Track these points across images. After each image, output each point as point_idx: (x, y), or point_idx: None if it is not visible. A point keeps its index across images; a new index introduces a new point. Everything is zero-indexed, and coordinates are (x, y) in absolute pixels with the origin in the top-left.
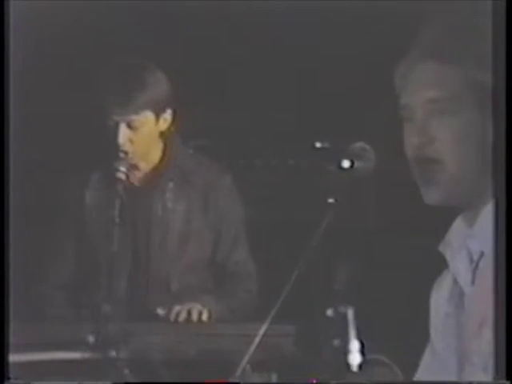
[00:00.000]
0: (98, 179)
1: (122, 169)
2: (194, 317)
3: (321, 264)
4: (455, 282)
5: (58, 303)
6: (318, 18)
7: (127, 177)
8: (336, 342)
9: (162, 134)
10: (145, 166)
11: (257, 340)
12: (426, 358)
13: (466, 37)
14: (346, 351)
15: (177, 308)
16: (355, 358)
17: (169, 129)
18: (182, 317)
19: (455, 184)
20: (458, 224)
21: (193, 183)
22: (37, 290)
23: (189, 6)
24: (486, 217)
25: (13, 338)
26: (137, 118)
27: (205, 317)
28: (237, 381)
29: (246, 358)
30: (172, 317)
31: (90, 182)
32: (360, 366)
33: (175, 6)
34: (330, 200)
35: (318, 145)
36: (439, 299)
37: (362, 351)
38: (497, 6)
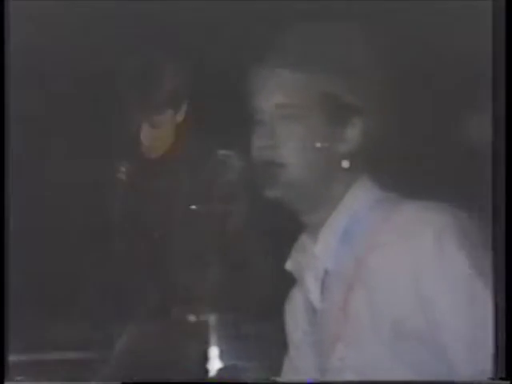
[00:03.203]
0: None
1: (123, 169)
2: None
3: (183, 270)
4: (306, 298)
5: (58, 302)
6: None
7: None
8: (196, 348)
9: (176, 128)
10: (153, 158)
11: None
12: (286, 372)
13: (323, 48)
14: (205, 357)
15: None
16: (214, 364)
17: (183, 122)
18: None
19: (296, 188)
20: (303, 241)
21: (197, 178)
22: (37, 289)
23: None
24: (326, 235)
25: (13, 337)
26: (160, 117)
27: None
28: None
29: None
30: None
31: (98, 180)
32: (219, 371)
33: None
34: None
35: None
36: (295, 315)
37: (221, 357)
38: (497, 6)
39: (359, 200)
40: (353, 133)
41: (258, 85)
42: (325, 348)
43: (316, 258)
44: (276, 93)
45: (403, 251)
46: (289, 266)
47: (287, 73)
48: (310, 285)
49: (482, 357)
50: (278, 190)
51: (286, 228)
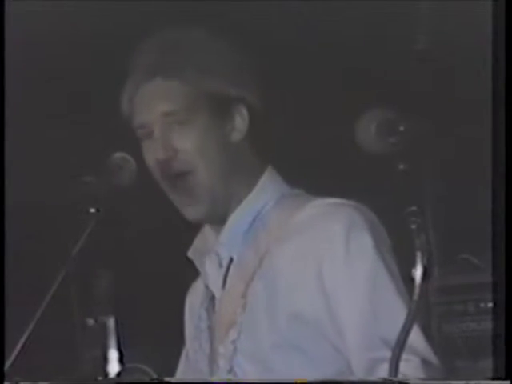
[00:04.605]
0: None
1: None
2: None
3: (82, 273)
4: (206, 286)
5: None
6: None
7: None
8: (95, 351)
9: None
10: None
11: None
12: (181, 362)
13: (184, 50)
14: (104, 360)
15: None
16: (114, 367)
17: None
18: None
19: (210, 191)
20: (207, 230)
21: None
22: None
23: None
24: (233, 224)
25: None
26: None
27: None
28: None
29: None
30: None
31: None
32: (119, 374)
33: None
34: (92, 210)
35: None
36: (193, 303)
37: (121, 360)
38: (497, 6)
39: (267, 194)
40: (241, 120)
41: (134, 103)
42: (219, 333)
43: (221, 244)
44: (159, 102)
45: (309, 245)
46: (191, 253)
47: (162, 83)
48: (211, 272)
49: (378, 348)
50: (192, 197)
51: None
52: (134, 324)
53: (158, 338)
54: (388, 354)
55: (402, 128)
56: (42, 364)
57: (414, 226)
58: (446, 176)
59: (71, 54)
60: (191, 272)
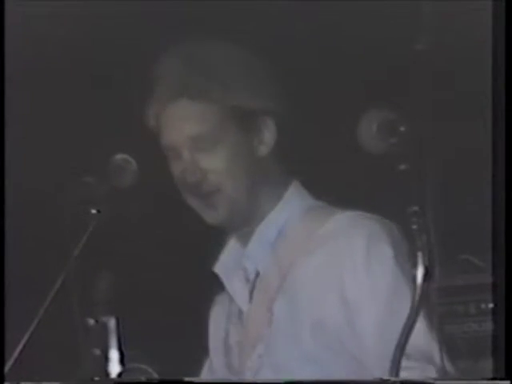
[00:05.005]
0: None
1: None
2: None
3: (83, 273)
4: (232, 300)
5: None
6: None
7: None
8: (96, 351)
9: None
10: None
11: None
12: (205, 374)
13: (207, 66)
14: (105, 360)
15: None
16: (114, 367)
17: None
18: None
19: (233, 204)
20: (233, 245)
21: None
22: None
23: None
24: (259, 237)
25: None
26: None
27: None
28: None
29: None
30: None
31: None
32: (120, 375)
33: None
34: (93, 211)
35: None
36: (218, 318)
37: (122, 360)
38: (497, 6)
39: (293, 207)
40: (268, 133)
41: (160, 122)
42: (246, 348)
43: (248, 258)
44: (187, 125)
45: (331, 258)
46: (217, 269)
47: (188, 103)
48: (238, 287)
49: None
50: (219, 215)
51: (208, 232)
52: (135, 324)
53: (158, 338)
54: (407, 363)
55: (402, 128)
56: (43, 364)
57: (415, 227)
58: (447, 176)
59: (72, 54)
60: (191, 272)
